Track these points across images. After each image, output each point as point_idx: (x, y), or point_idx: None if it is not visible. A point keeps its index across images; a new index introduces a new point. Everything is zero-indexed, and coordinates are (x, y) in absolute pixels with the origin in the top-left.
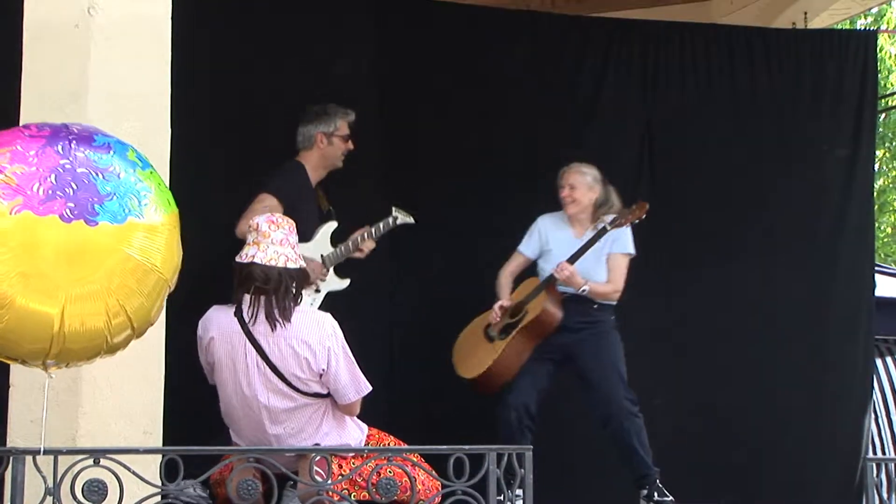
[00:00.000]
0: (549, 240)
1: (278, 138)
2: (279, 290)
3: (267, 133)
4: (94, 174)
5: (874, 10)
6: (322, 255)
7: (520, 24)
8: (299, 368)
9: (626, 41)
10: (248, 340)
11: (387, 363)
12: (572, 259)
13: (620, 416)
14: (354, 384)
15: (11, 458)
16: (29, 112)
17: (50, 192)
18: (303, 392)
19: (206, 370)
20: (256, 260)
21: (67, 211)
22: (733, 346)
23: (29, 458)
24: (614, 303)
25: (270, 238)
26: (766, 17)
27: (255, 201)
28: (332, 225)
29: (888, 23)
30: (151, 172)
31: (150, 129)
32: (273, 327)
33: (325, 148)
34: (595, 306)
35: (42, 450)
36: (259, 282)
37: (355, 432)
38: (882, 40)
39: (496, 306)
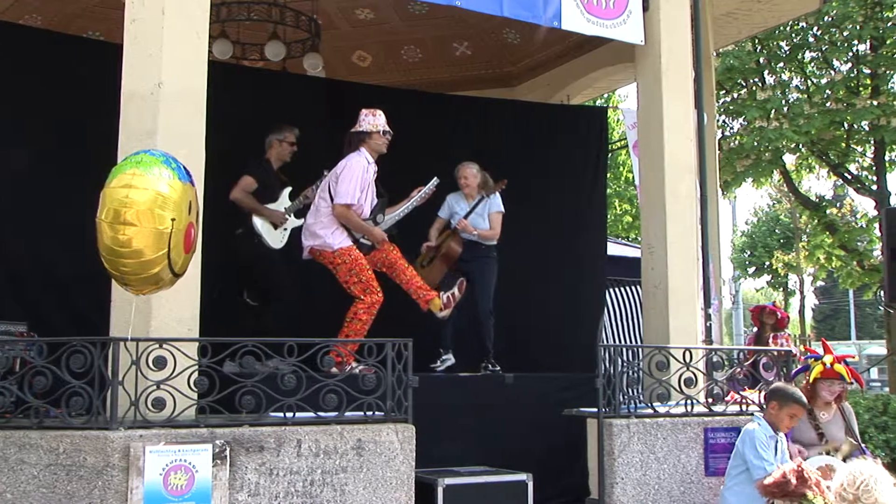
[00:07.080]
0: (453, 207)
1: (249, 152)
2: None
3: (244, 149)
4: None
5: (606, 95)
6: (284, 208)
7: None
8: None
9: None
10: None
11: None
12: (465, 216)
13: (484, 317)
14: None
15: (112, 343)
16: (124, 144)
17: None
18: None
19: None
20: None
21: None
22: (530, 280)
23: (122, 343)
24: (494, 242)
25: None
26: (546, 96)
27: (241, 180)
28: (288, 189)
29: (613, 102)
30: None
31: (193, 154)
32: None
33: (278, 148)
34: (483, 246)
35: (129, 338)
36: None
37: None
38: (610, 112)
39: (424, 246)
